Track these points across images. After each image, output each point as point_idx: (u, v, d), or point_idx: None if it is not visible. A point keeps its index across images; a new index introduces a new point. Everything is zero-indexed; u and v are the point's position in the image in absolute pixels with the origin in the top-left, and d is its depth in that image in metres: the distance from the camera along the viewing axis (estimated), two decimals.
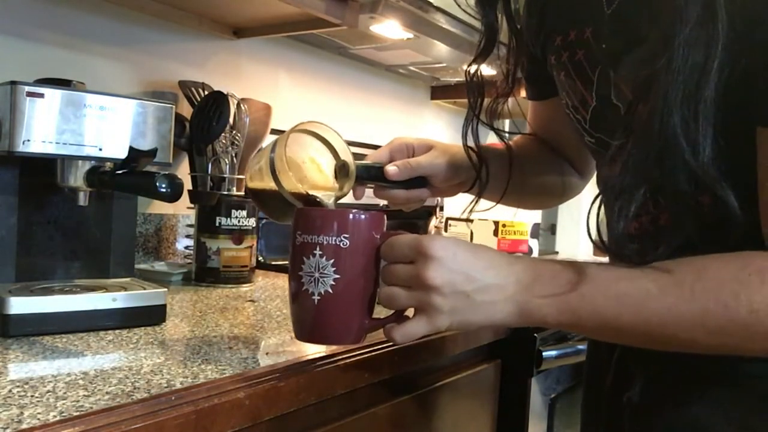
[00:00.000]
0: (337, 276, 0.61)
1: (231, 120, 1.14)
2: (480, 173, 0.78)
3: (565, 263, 0.57)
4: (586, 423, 0.80)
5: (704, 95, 0.50)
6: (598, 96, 0.66)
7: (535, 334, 1.02)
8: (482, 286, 0.56)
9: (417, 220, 1.81)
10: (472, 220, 1.66)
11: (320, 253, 0.61)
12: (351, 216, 0.62)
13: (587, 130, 0.70)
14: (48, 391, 0.51)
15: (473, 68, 0.75)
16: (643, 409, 0.64)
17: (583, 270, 0.55)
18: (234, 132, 1.15)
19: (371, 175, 0.76)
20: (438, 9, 1.28)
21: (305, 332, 0.64)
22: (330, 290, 0.61)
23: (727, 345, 0.53)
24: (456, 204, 1.64)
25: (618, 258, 0.55)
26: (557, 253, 2.10)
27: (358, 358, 0.70)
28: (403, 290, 0.58)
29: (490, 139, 0.83)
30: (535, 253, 1.74)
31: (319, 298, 0.61)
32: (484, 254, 0.58)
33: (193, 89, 1.23)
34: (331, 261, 0.61)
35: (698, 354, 0.56)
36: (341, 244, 0.61)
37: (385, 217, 0.64)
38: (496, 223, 1.64)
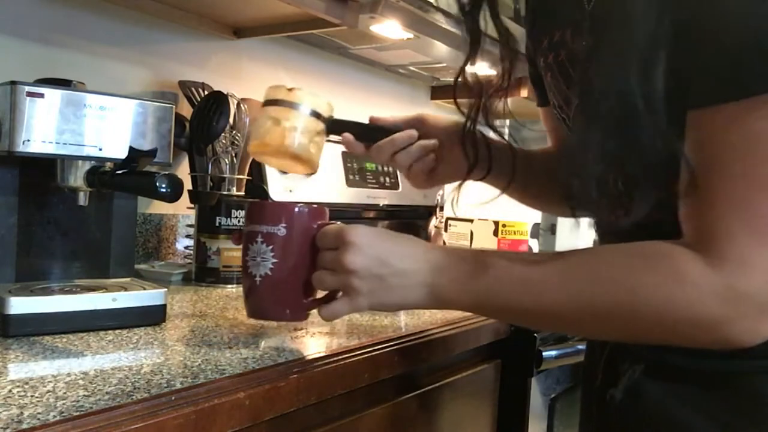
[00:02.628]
0: (275, 260, 0.69)
1: (231, 120, 1.14)
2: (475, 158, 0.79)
3: (474, 251, 0.63)
4: (582, 421, 0.81)
5: (655, 57, 0.53)
6: (580, 93, 0.67)
7: (535, 334, 1.02)
8: (397, 270, 0.61)
9: (417, 220, 1.81)
10: (472, 220, 1.66)
11: (261, 240, 0.69)
12: (289, 208, 0.70)
13: (571, 128, 0.71)
14: (48, 391, 0.51)
15: (464, 73, 0.77)
16: (626, 406, 0.66)
17: (488, 256, 0.60)
18: (234, 132, 1.15)
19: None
20: (438, 9, 1.28)
21: (251, 310, 0.72)
22: (269, 272, 0.68)
23: (618, 329, 0.57)
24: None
25: (586, 209, 0.59)
26: None
27: (358, 358, 0.70)
28: (329, 274, 0.64)
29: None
30: None
31: (260, 279, 0.69)
32: (403, 243, 0.64)
33: (193, 89, 1.23)
34: (270, 247, 0.69)
35: (681, 352, 0.58)
36: (278, 233, 0.69)
37: (327, 210, 0.72)
38: (496, 223, 1.64)
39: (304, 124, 0.77)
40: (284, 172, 1.39)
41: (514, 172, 0.82)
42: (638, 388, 0.64)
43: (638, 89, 0.53)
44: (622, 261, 0.56)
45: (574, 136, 0.59)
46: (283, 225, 0.69)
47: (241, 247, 0.75)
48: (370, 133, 0.83)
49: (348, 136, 0.82)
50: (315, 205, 0.72)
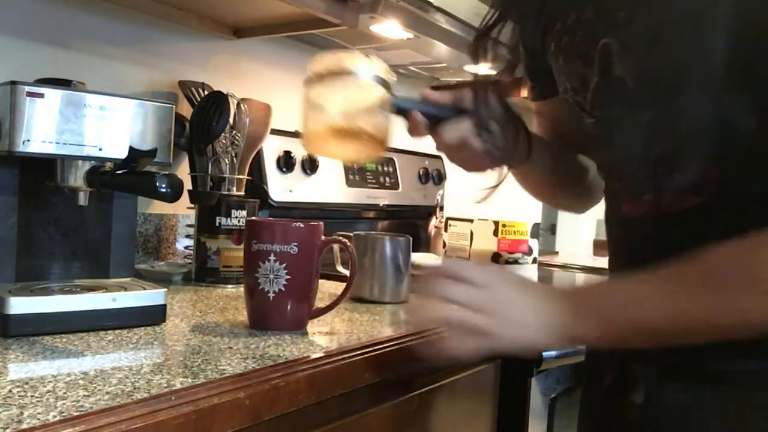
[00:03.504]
0: (289, 277, 0.74)
1: (231, 120, 1.14)
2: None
3: (596, 284, 0.65)
4: (582, 419, 0.81)
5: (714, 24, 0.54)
6: (600, 71, 0.66)
7: None
8: (533, 313, 0.61)
9: (417, 220, 1.81)
10: (472, 220, 1.66)
11: (274, 258, 0.74)
12: (299, 227, 0.76)
13: (587, 111, 0.70)
14: (48, 391, 0.51)
15: (486, 41, 0.74)
16: (645, 410, 0.65)
17: (611, 285, 0.62)
18: (234, 132, 1.15)
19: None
20: (438, 9, 1.28)
21: (262, 322, 0.77)
22: (283, 288, 0.74)
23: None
24: (456, 203, 1.64)
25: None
26: (557, 253, 2.10)
27: (358, 358, 0.70)
28: (472, 314, 0.61)
29: None
30: (535, 253, 1.75)
31: (273, 295, 0.75)
32: (537, 290, 0.65)
33: (193, 89, 1.23)
34: (284, 265, 0.74)
35: (699, 353, 0.58)
36: (291, 251, 0.74)
37: (323, 225, 0.78)
38: (496, 223, 1.64)
39: (369, 95, 0.66)
40: (284, 171, 1.39)
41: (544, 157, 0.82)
42: (658, 392, 0.64)
43: (698, 60, 0.54)
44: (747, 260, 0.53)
45: (618, 111, 0.60)
46: (296, 243, 0.74)
47: (240, 247, 0.76)
48: (437, 112, 0.73)
49: (418, 115, 0.72)
50: (313, 222, 0.77)
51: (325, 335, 0.77)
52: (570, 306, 0.61)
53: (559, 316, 0.60)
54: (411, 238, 1.06)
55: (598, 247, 2.10)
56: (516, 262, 1.31)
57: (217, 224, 1.08)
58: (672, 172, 0.58)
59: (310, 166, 1.45)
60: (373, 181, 1.66)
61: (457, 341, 0.62)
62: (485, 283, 0.62)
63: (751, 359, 0.58)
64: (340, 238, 0.80)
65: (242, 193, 1.16)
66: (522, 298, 0.62)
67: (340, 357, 0.68)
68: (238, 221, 1.08)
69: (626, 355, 0.70)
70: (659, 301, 0.56)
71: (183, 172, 1.23)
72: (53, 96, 0.73)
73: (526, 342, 0.62)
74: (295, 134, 1.47)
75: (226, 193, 1.13)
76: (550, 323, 0.60)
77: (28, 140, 0.72)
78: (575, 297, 0.63)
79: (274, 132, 1.37)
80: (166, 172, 0.73)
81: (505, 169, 0.77)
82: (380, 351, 0.73)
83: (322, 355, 0.67)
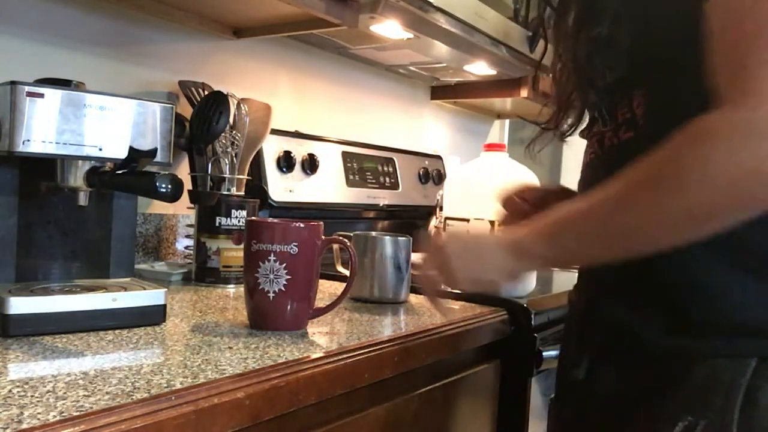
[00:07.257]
0: (289, 277, 0.75)
1: (231, 120, 1.14)
2: None
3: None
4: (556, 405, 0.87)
5: None
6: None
7: (535, 335, 1.02)
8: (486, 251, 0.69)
9: (417, 219, 1.81)
10: (468, 220, 1.66)
11: (274, 258, 0.75)
12: (299, 227, 0.76)
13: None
14: (48, 391, 0.51)
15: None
16: (584, 384, 0.72)
17: (554, 209, 0.65)
18: (234, 132, 1.15)
19: None
20: (438, 9, 1.28)
21: (262, 322, 0.77)
22: (283, 288, 0.75)
23: (682, 207, 0.54)
24: (455, 203, 1.64)
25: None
26: None
27: (359, 358, 0.70)
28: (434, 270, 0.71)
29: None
30: None
31: (274, 295, 0.75)
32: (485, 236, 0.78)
33: (193, 89, 1.23)
34: (284, 265, 0.75)
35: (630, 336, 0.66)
36: (291, 251, 0.75)
37: (323, 225, 0.79)
38: (492, 223, 1.64)
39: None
40: (284, 171, 1.39)
41: None
42: (594, 370, 0.71)
43: None
44: (664, 147, 0.55)
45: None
46: (296, 243, 0.75)
47: (240, 247, 0.76)
48: None
49: None
50: (313, 222, 0.78)
51: (325, 335, 0.77)
52: (514, 235, 0.66)
53: (507, 244, 0.66)
54: (411, 238, 1.06)
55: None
56: None
57: (217, 224, 1.08)
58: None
59: (310, 166, 1.45)
60: (373, 181, 1.66)
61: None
62: (439, 246, 0.70)
63: (684, 336, 0.62)
64: (340, 238, 0.80)
65: (242, 193, 1.16)
66: (473, 244, 0.71)
67: (340, 357, 0.68)
68: (238, 221, 1.08)
69: (579, 339, 0.75)
70: (593, 208, 0.60)
71: (183, 172, 1.23)
72: (53, 96, 0.73)
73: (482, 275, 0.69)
74: (295, 134, 1.47)
75: (226, 193, 1.13)
76: (502, 253, 0.66)
77: (28, 140, 0.72)
78: (519, 229, 0.66)
79: (274, 132, 1.37)
80: (166, 172, 0.73)
81: None
82: (380, 351, 0.73)
83: (322, 355, 0.67)
